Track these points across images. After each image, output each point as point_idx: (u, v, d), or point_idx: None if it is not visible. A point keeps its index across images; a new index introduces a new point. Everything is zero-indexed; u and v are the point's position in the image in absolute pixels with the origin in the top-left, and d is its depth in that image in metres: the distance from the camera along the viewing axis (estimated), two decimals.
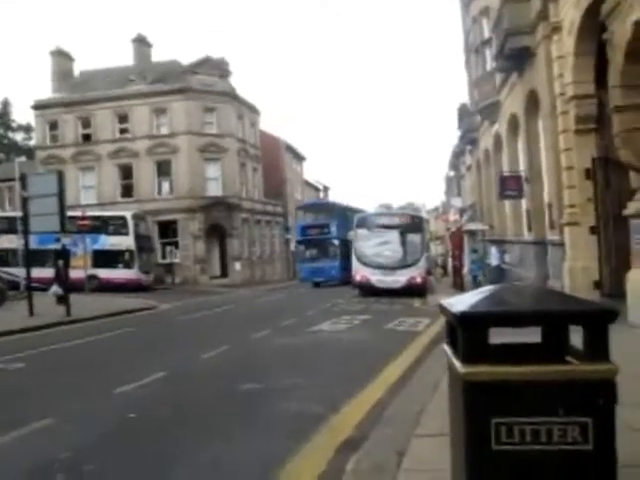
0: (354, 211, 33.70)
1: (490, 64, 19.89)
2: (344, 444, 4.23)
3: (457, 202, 37.92)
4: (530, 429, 2.10)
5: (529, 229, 17.14)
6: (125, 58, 49.54)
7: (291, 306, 17.99)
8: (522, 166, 17.39)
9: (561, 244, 12.36)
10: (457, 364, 2.23)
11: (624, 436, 2.36)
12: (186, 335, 11.94)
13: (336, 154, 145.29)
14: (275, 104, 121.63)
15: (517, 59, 15.25)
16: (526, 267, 16.89)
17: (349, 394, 5.73)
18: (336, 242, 29.58)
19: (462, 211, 35.36)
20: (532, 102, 15.14)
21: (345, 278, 26.29)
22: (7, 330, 12.53)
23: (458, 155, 38.02)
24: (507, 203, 19.85)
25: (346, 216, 30.22)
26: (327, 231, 30.08)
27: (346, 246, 27.51)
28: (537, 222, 15.60)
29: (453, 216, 37.61)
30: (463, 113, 29.74)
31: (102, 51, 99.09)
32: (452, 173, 46.43)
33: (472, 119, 26.69)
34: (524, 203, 17.71)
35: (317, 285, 29.11)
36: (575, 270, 11.49)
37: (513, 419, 2.11)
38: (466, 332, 2.20)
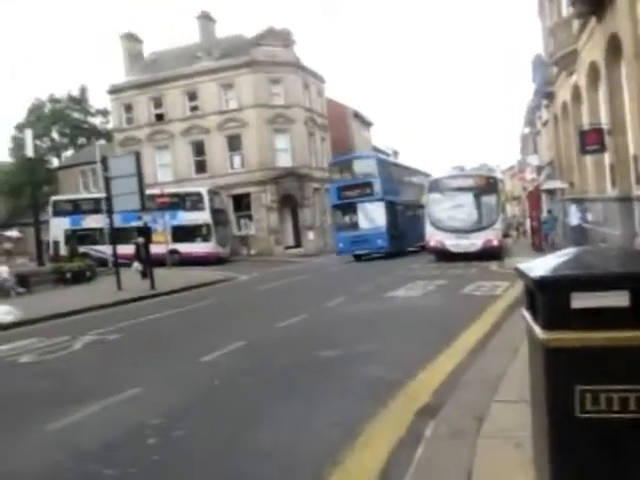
0: (402, 168, 31.39)
1: (566, 10, 18.62)
2: (422, 409, 4.24)
3: (534, 160, 36.20)
4: (618, 397, 2.01)
5: (613, 185, 16.16)
6: (191, 36, 50.34)
7: (365, 274, 18.04)
8: (604, 118, 16.32)
9: None
10: (537, 330, 2.16)
11: None
12: (264, 305, 12.28)
13: (405, 117, 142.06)
14: (340, 71, 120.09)
15: (596, 2, 14.16)
16: (610, 226, 16.00)
17: (426, 360, 5.71)
18: (381, 205, 24.43)
19: (539, 169, 33.78)
20: (614, 48, 14.08)
21: (395, 248, 24.32)
22: (100, 304, 13.41)
23: (534, 110, 36.15)
24: (588, 158, 18.75)
25: (392, 173, 27.25)
26: (370, 191, 24.66)
27: (394, 209, 25.25)
28: (622, 177, 14.67)
29: (530, 175, 35.96)
30: (538, 65, 28.11)
31: (169, 31, 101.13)
32: (527, 130, 44.31)
33: (548, 71, 25.22)
34: (607, 157, 16.68)
35: (358, 258, 24.90)
36: None
37: (599, 386, 2.02)
38: (546, 297, 2.12)
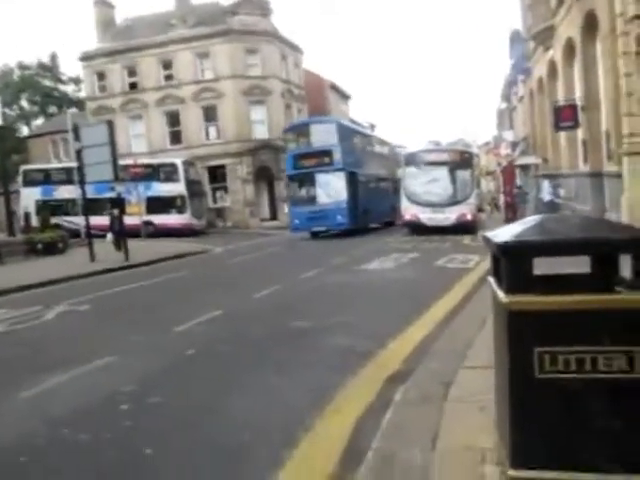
0: (368, 137, 28.99)
1: None
2: (391, 377, 4.34)
3: (509, 135, 36.51)
4: (575, 358, 2.10)
5: (585, 161, 16.43)
6: (166, 3, 48.96)
7: (339, 246, 18.13)
8: (578, 94, 16.50)
9: (619, 175, 11.83)
10: (500, 294, 2.23)
11: None
12: (238, 276, 12.29)
13: (382, 91, 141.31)
14: (318, 42, 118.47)
15: None
16: (582, 201, 16.31)
17: (397, 330, 5.82)
18: (342, 175, 21.68)
19: (514, 145, 34.08)
20: (590, 24, 14.18)
21: (356, 225, 22.08)
22: (72, 275, 13.25)
23: (510, 85, 36.28)
24: (562, 135, 19.01)
25: (355, 142, 24.56)
26: (329, 161, 21.80)
27: (356, 182, 22.63)
28: (594, 153, 14.93)
29: (505, 150, 36.25)
30: (515, 40, 28.18)
31: None
32: (504, 105, 44.54)
33: (525, 46, 25.31)
34: (580, 134, 16.92)
35: (315, 236, 22.55)
36: (634, 202, 11.02)
37: (557, 348, 2.11)
38: (509, 262, 2.18)
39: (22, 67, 50.62)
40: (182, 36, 35.20)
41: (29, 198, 29.82)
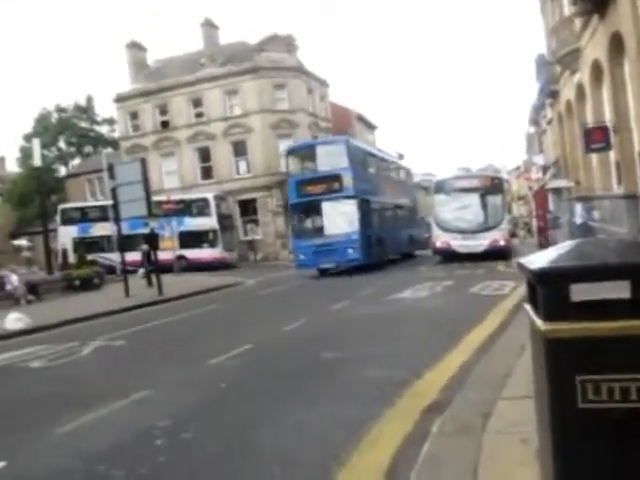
0: (383, 160, 25.63)
1: (568, 8, 18.60)
2: (429, 407, 4.25)
3: (539, 159, 36.15)
4: (619, 386, 2.02)
5: (619, 182, 16.10)
6: (195, 43, 50.61)
7: (371, 277, 18.03)
8: (608, 116, 16.28)
9: None
10: (538, 322, 2.17)
11: None
12: (270, 309, 12.30)
13: (409, 120, 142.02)
14: (344, 74, 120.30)
15: (598, 0, 14.16)
16: (617, 223, 15.93)
17: (433, 359, 5.71)
18: (353, 203, 18.77)
19: (545, 169, 33.71)
20: (616, 46, 14.06)
21: (371, 259, 19.25)
22: (108, 311, 13.47)
23: (538, 109, 36.08)
24: (594, 156, 18.70)
25: (368, 165, 21.81)
26: (338, 187, 18.98)
27: (368, 209, 19.82)
28: (627, 174, 14.63)
29: (535, 174, 35.89)
30: (541, 64, 28.10)
31: (173, 39, 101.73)
32: (532, 129, 44.21)
33: (551, 70, 25.20)
34: (612, 155, 16.63)
35: (324, 273, 19.72)
36: None
37: (599, 376, 2.03)
38: (546, 289, 2.13)
39: (60, 110, 52.58)
40: (211, 75, 36.21)
41: (67, 236, 30.63)
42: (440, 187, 21.63)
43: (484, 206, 20.50)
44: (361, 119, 49.20)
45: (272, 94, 35.82)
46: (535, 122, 40.75)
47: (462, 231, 20.04)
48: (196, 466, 3.65)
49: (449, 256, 20.14)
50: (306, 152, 21.10)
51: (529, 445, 2.99)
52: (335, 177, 19.20)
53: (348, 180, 19.02)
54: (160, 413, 4.80)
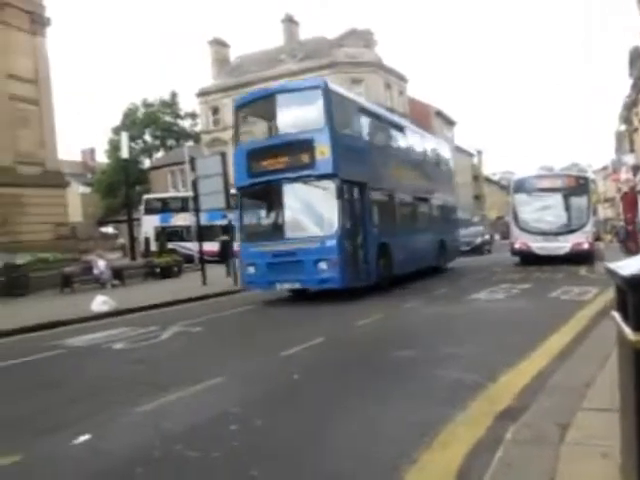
0: (384, 122, 15.95)
1: None
2: (502, 413, 4.13)
3: (629, 159, 34.09)
4: None
5: None
6: (276, 39, 51.46)
7: (458, 268, 17.71)
8: None
9: None
10: (627, 331, 2.06)
11: None
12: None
13: (490, 116, 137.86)
14: (424, 70, 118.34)
15: None
16: None
17: (509, 363, 5.54)
18: (329, 188, 11.74)
19: (635, 169, 31.76)
20: None
21: (360, 278, 12.31)
22: (186, 298, 14.02)
23: (630, 106, 34.03)
24: None
25: (359, 127, 13.83)
26: (307, 160, 11.95)
27: (359, 199, 12.72)
28: None
29: (625, 175, 33.86)
30: (635, 57, 26.48)
31: (254, 35, 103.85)
32: (623, 127, 41.76)
33: None
34: None
35: (300, 295, 13.27)
36: None
37: None
38: (637, 297, 2.02)
39: (146, 105, 55.08)
40: (290, 70, 36.71)
41: (149, 225, 32.10)
42: (520, 186, 20.84)
43: (567, 207, 19.58)
44: (440, 114, 48.30)
45: (349, 89, 35.73)
46: (626, 119, 38.47)
47: (543, 232, 19.25)
48: (268, 452, 3.73)
49: (528, 258, 19.43)
50: (262, 105, 13.33)
51: (611, 460, 2.84)
52: (303, 144, 11.92)
53: (324, 148, 11.69)
54: (233, 399, 4.95)
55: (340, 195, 11.67)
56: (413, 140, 17.76)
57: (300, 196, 12.08)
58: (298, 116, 12.59)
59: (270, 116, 13.37)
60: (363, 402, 4.69)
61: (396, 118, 19.45)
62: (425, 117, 44.59)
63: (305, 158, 11.90)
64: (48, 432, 4.44)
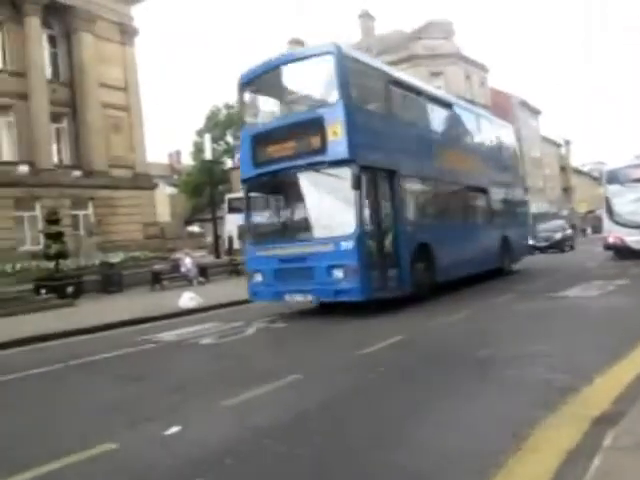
0: (419, 94, 13.09)
1: None
2: (599, 418, 3.88)
3: None
4: None
5: None
6: (353, 35, 51.44)
7: (533, 269, 17.01)
8: None
9: None
10: None
11: None
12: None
13: (579, 105, 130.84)
14: (507, 59, 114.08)
15: None
16: None
17: (603, 365, 5.20)
18: (347, 175, 9.51)
19: None
20: None
21: (387, 289, 10.14)
22: None
23: None
24: None
25: (386, 100, 11.54)
26: (318, 144, 9.90)
27: (388, 189, 10.64)
28: None
29: None
30: None
31: (332, 32, 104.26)
32: None
33: None
34: None
35: (327, 308, 10.90)
36: None
37: None
38: None
39: (228, 107, 56.72)
40: None
41: (232, 223, 32.93)
42: (613, 177, 19.62)
43: None
44: (524, 104, 46.44)
45: (428, 82, 34.92)
46: None
47: (639, 226, 18.05)
48: (352, 450, 3.72)
49: (624, 252, 18.30)
50: (268, 80, 11.07)
51: None
52: (313, 123, 9.95)
53: (337, 128, 9.63)
54: (313, 396, 4.98)
55: (358, 185, 9.41)
56: (465, 120, 15.30)
57: (310, 189, 10.12)
58: (308, 90, 10.87)
59: (278, 93, 11.34)
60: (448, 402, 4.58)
61: (441, 93, 16.57)
62: (508, 108, 43.05)
63: (315, 141, 9.87)
64: (141, 422, 4.67)
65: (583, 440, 3.53)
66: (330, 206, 9.89)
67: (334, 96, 9.80)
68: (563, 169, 62.95)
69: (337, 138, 9.58)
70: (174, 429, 4.34)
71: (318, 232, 9.91)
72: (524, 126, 45.89)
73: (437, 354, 6.50)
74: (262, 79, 11.18)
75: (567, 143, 65.51)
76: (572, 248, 30.24)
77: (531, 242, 25.76)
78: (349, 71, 10.01)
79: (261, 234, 11.19)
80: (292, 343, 8.15)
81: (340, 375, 5.82)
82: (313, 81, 10.63)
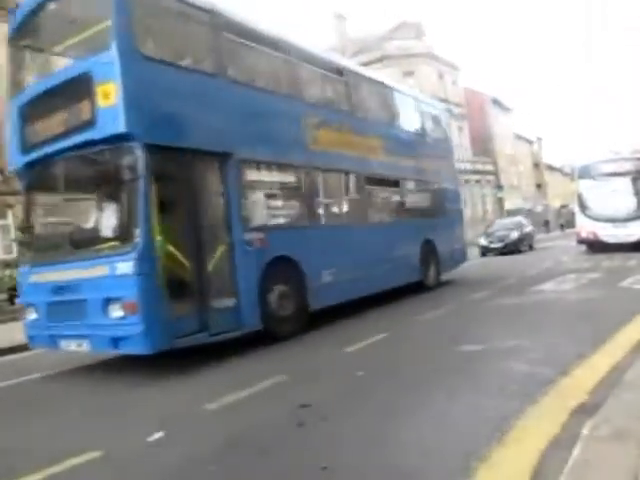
0: (250, 35, 8.56)
1: None
2: (577, 408, 3.96)
3: None
4: None
5: None
6: (325, 37, 51.56)
7: (508, 266, 17.26)
8: None
9: None
10: None
11: None
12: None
13: (549, 100, 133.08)
14: (477, 57, 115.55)
15: None
16: None
17: (580, 356, 5.31)
18: (127, 159, 6.21)
19: None
20: None
21: (200, 325, 6.69)
22: None
23: None
24: None
25: (189, 48, 8.06)
26: (89, 114, 6.37)
27: (189, 181, 6.98)
28: None
29: None
30: None
31: (304, 34, 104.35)
32: None
33: None
34: None
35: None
36: None
37: None
38: None
39: None
40: None
41: None
42: (585, 171, 20.03)
43: (637, 192, 18.67)
44: (496, 102, 47.07)
45: (401, 82, 35.35)
46: None
47: (611, 219, 18.45)
48: (338, 453, 3.73)
49: (596, 246, 18.70)
50: (38, 28, 7.88)
51: None
52: (78, 83, 6.62)
53: (109, 87, 6.25)
54: (297, 398, 4.97)
55: (147, 174, 6.16)
56: (366, 93, 11.68)
57: (82, 183, 7.60)
58: (82, 35, 7.28)
59: (49, 44, 8.13)
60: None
61: (319, 51, 11.10)
62: (480, 106, 43.59)
63: (84, 110, 6.52)
64: None
65: (562, 431, 3.60)
66: (107, 208, 6.87)
67: (108, 42, 6.35)
68: (536, 166, 63.92)
69: (110, 103, 6.22)
70: None
71: (92, 247, 6.55)
72: (496, 124, 46.50)
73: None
74: (31, 26, 7.76)
75: (539, 140, 66.62)
76: (531, 248, 26.08)
77: (483, 243, 25.00)
78: (137, 5, 6.63)
79: (40, 250, 7.58)
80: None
81: (330, 374, 5.83)
82: (87, 23, 7.15)
